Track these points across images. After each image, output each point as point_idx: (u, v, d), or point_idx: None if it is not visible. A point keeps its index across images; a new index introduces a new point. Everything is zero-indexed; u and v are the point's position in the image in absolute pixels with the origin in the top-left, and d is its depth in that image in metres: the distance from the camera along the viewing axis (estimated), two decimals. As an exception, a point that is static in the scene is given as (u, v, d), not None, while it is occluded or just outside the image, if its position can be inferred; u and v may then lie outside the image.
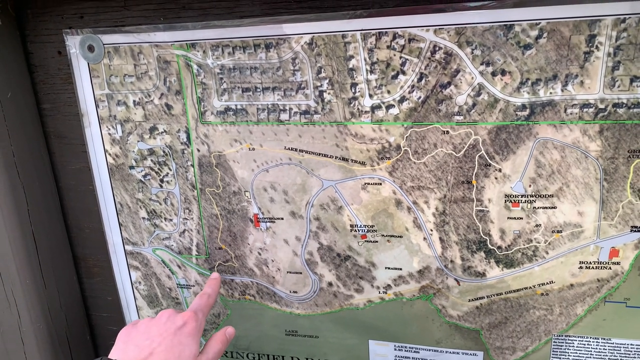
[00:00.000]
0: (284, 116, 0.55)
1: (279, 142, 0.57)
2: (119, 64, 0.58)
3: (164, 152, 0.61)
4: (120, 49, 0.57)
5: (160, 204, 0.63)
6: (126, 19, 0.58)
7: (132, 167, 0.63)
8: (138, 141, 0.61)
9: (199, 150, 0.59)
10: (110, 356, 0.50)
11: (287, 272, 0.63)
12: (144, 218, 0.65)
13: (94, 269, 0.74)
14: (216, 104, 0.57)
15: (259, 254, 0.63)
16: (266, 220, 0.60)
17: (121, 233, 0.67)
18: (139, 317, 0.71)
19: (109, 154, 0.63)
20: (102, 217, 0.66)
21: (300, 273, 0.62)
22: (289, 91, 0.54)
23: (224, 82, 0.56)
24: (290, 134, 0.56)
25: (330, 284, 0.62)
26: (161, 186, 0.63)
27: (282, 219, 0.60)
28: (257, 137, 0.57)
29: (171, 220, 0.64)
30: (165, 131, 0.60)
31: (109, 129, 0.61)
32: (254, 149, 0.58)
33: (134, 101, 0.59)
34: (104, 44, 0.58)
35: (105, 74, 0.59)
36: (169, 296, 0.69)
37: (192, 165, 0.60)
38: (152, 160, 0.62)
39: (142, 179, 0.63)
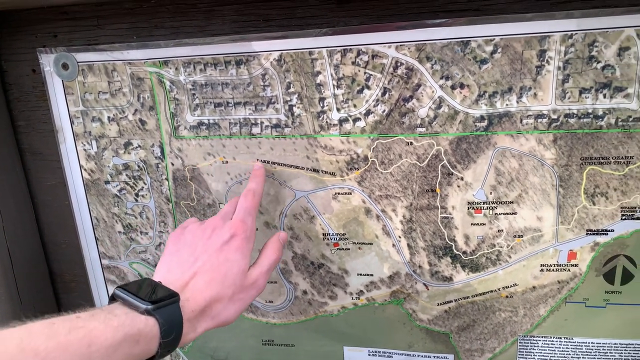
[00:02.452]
0: (255, 130, 0.57)
1: (252, 155, 0.59)
2: (93, 81, 0.59)
3: (138, 166, 0.62)
4: (94, 67, 0.59)
5: (136, 217, 0.64)
6: (99, 37, 0.59)
7: (107, 182, 0.64)
8: (113, 156, 0.62)
9: (173, 164, 0.61)
10: (155, 276, 0.48)
11: (262, 282, 0.64)
12: (120, 232, 0.66)
13: (70, 284, 0.74)
14: (189, 118, 0.58)
15: (234, 264, 0.64)
16: (240, 231, 0.62)
17: (97, 247, 0.67)
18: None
19: (85, 170, 0.64)
20: (78, 232, 0.67)
21: (276, 282, 0.64)
22: (259, 106, 0.56)
23: (197, 97, 0.57)
24: (262, 147, 0.58)
25: (304, 292, 0.63)
26: (136, 200, 0.64)
27: (257, 229, 0.61)
28: (230, 150, 0.59)
29: (147, 233, 0.65)
30: (139, 146, 0.61)
31: (84, 144, 0.63)
32: (227, 162, 0.59)
33: (109, 117, 0.61)
34: (77, 62, 0.59)
35: (80, 91, 0.60)
36: (146, 309, 0.69)
37: (167, 179, 0.62)
38: (127, 175, 0.63)
39: (118, 194, 0.64)
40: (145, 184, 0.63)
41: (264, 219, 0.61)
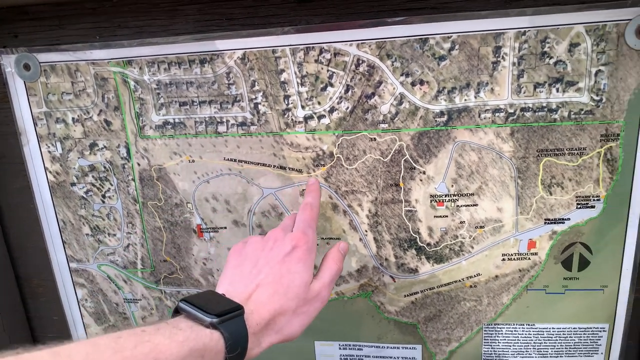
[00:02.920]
0: (221, 128, 0.58)
1: (218, 154, 0.59)
2: (56, 82, 0.59)
3: (104, 167, 0.62)
4: (57, 67, 0.58)
5: (103, 219, 0.64)
6: (62, 37, 0.59)
7: (73, 184, 0.63)
8: (78, 158, 0.62)
9: (139, 165, 0.61)
10: (218, 288, 0.47)
11: (233, 280, 0.64)
12: (87, 234, 0.65)
13: (38, 289, 0.73)
14: (154, 118, 0.58)
15: (204, 264, 0.64)
16: (209, 230, 0.62)
17: (65, 251, 0.67)
18: (86, 335, 0.71)
19: (50, 172, 0.63)
20: (44, 236, 0.66)
21: (245, 280, 0.64)
22: (225, 104, 0.57)
23: (161, 97, 0.57)
24: (228, 145, 0.58)
25: (274, 289, 0.64)
26: (103, 202, 0.63)
27: (225, 228, 0.62)
28: (197, 149, 0.59)
29: (115, 235, 0.65)
30: (105, 147, 0.61)
31: (49, 146, 0.62)
32: (193, 161, 0.60)
33: (73, 118, 0.60)
34: (40, 63, 0.58)
35: (43, 92, 0.59)
36: (116, 311, 0.69)
37: (133, 180, 0.62)
38: (93, 177, 0.62)
39: (84, 195, 0.63)
40: (111, 185, 0.62)
41: (232, 218, 0.61)
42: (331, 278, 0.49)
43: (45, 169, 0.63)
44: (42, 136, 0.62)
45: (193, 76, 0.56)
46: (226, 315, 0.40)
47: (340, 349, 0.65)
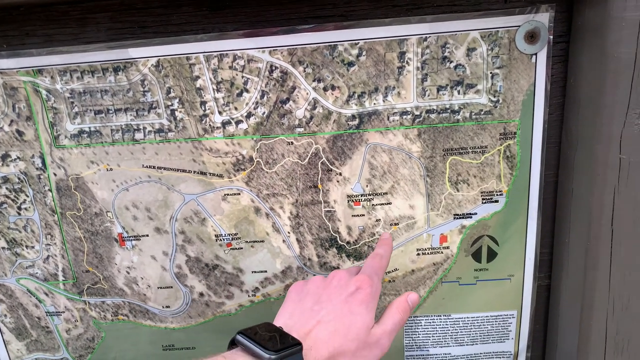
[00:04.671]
0: (138, 135, 0.58)
1: (137, 161, 0.59)
2: (-38, 92, 0.57)
3: (19, 179, 0.60)
4: (-38, 77, 0.56)
5: (20, 231, 0.62)
6: (-33, 46, 0.57)
7: (-14, 197, 0.61)
8: (-10, 169, 0.60)
9: (55, 175, 0.60)
10: (276, 321, 0.45)
11: (158, 288, 0.64)
12: (3, 248, 0.63)
13: (-46, 307, 0.70)
14: (69, 127, 0.58)
15: (128, 272, 0.64)
16: (131, 238, 0.62)
17: (-19, 266, 0.64)
18: (7, 353, 0.69)
19: (-41, 185, 0.61)
20: (-43, 251, 0.64)
21: (171, 287, 0.64)
22: (141, 111, 0.57)
23: (76, 105, 0.57)
24: (147, 152, 0.58)
25: (201, 294, 0.64)
26: (19, 213, 0.62)
27: (147, 235, 0.62)
28: (114, 157, 0.59)
29: (33, 247, 0.63)
30: (18, 158, 0.59)
31: (-43, 159, 0.60)
32: (111, 169, 0.59)
33: (-18, 129, 0.58)
34: (-57, 73, 0.56)
35: (-52, 103, 0.57)
36: (38, 326, 0.67)
37: (50, 190, 0.60)
38: (7, 188, 0.61)
39: (-1, 208, 0.62)
40: (27, 196, 0.61)
41: (154, 225, 0.61)
42: (394, 327, 0.47)
43: (-45, 182, 0.61)
44: (-51, 148, 0.59)
45: (107, 84, 0.56)
46: (284, 351, 0.39)
47: (269, 349, 0.66)
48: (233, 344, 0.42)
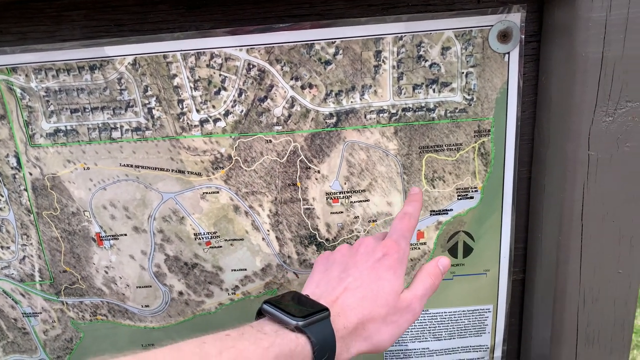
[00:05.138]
0: (115, 134, 0.57)
1: (114, 160, 0.58)
2: None
3: (-7, 178, 0.59)
4: None
5: (-5, 232, 0.62)
6: (-62, 44, 0.56)
7: (-41, 197, 0.60)
8: (-36, 169, 0.59)
9: (31, 174, 0.59)
10: (304, 290, 0.44)
11: (137, 287, 0.64)
12: (-22, 249, 0.62)
13: None
14: (45, 126, 0.57)
15: (106, 272, 0.63)
16: (109, 237, 0.61)
17: (-45, 267, 0.63)
18: (-17, 354, 0.68)
19: None
20: None
21: (150, 286, 0.64)
22: (118, 110, 0.56)
23: (51, 104, 0.56)
24: (124, 151, 0.58)
25: (180, 293, 0.64)
26: (-6, 214, 0.61)
27: (126, 235, 0.61)
28: (91, 156, 0.58)
29: (9, 247, 0.62)
30: (-8, 157, 0.59)
31: None
32: (88, 168, 0.59)
33: (-45, 128, 0.57)
34: None
35: None
36: (14, 327, 0.66)
37: (26, 190, 0.60)
38: (-19, 188, 0.60)
39: (-27, 208, 0.61)
40: (2, 196, 0.60)
41: (132, 224, 0.61)
42: (424, 291, 0.46)
43: None
44: None
45: (83, 83, 0.56)
46: (312, 317, 0.38)
47: (249, 347, 0.67)
48: (260, 314, 0.42)
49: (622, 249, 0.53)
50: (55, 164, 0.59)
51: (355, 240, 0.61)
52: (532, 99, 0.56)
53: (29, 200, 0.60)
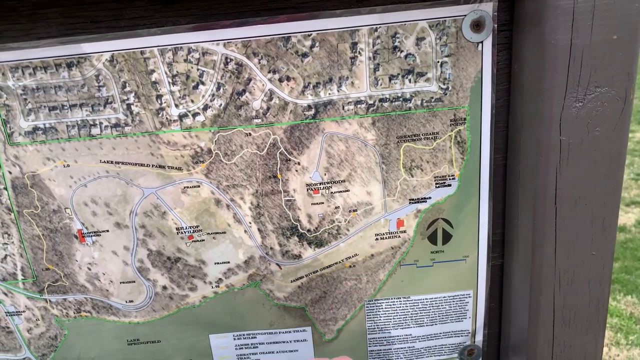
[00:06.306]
0: (95, 131, 0.57)
1: (94, 157, 0.59)
2: None
3: (-28, 177, 0.59)
4: None
5: (-24, 231, 0.61)
6: None
7: (-62, 197, 0.60)
8: (-59, 169, 0.59)
9: (10, 173, 0.59)
10: None
11: (121, 283, 0.64)
12: (-41, 249, 0.62)
13: None
14: (23, 124, 0.57)
15: (89, 269, 0.63)
16: (91, 234, 0.62)
17: (-63, 269, 0.63)
18: (-32, 355, 0.68)
19: None
20: None
21: (134, 282, 0.64)
22: (96, 106, 0.56)
23: (29, 102, 0.56)
24: (104, 148, 0.58)
25: (164, 288, 0.65)
26: (-26, 213, 0.61)
27: (108, 231, 0.62)
28: (71, 153, 0.58)
29: (-10, 247, 0.62)
30: (-29, 156, 0.58)
31: None
32: (68, 165, 0.59)
33: None
34: None
35: None
36: (-1, 327, 0.66)
37: (5, 189, 0.60)
38: (-40, 188, 0.60)
39: (-48, 208, 0.60)
40: (-19, 195, 0.60)
41: (114, 220, 0.61)
42: None
43: None
44: None
45: (61, 80, 0.55)
46: None
47: (234, 339, 0.67)
48: None
49: (594, 230, 0.55)
50: (35, 162, 0.59)
51: (337, 231, 0.61)
52: (506, 87, 0.58)
53: (9, 199, 0.60)
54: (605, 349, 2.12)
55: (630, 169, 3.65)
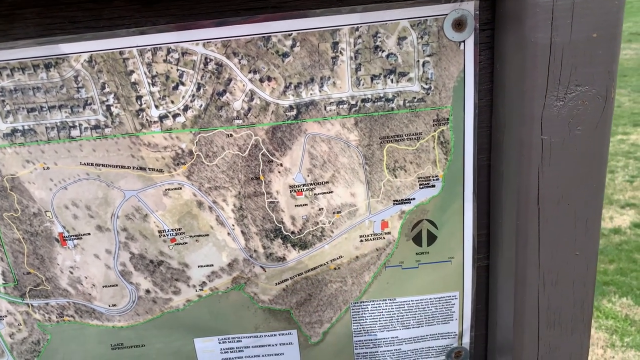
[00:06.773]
0: (74, 132, 0.57)
1: (74, 159, 0.58)
2: None
3: (-50, 181, 0.58)
4: None
5: (-45, 235, 0.61)
6: None
7: None
8: None
9: (-11, 175, 0.58)
10: None
11: (103, 287, 0.63)
12: (-62, 253, 0.61)
13: None
14: (1, 126, 0.56)
15: (71, 272, 0.63)
16: (72, 237, 0.61)
17: None
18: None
19: None
20: None
21: (116, 285, 0.63)
22: (76, 108, 0.56)
23: (7, 104, 0.56)
24: (84, 150, 0.58)
25: (147, 291, 0.64)
26: (-47, 217, 0.60)
27: (89, 234, 0.61)
28: (50, 155, 0.58)
29: (-30, 251, 0.61)
30: (-51, 159, 0.58)
31: None
32: (48, 167, 0.58)
33: None
34: None
35: None
36: (-20, 332, 0.65)
37: (-15, 191, 0.59)
38: (-62, 191, 0.59)
39: None
40: (-40, 198, 0.59)
41: (95, 223, 0.60)
42: None
43: None
44: None
45: (39, 81, 0.55)
46: None
47: (219, 343, 0.67)
48: None
49: (578, 231, 0.54)
50: (14, 165, 0.58)
51: (321, 233, 0.61)
52: (489, 87, 0.57)
53: (-11, 202, 0.59)
54: (600, 351, 2.12)
55: (625, 171, 3.65)
